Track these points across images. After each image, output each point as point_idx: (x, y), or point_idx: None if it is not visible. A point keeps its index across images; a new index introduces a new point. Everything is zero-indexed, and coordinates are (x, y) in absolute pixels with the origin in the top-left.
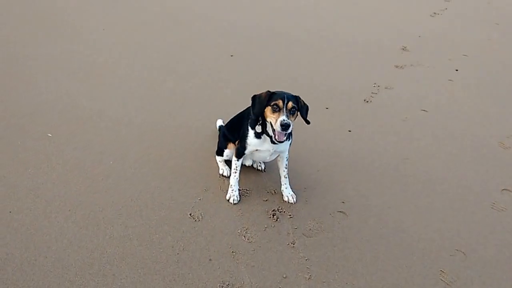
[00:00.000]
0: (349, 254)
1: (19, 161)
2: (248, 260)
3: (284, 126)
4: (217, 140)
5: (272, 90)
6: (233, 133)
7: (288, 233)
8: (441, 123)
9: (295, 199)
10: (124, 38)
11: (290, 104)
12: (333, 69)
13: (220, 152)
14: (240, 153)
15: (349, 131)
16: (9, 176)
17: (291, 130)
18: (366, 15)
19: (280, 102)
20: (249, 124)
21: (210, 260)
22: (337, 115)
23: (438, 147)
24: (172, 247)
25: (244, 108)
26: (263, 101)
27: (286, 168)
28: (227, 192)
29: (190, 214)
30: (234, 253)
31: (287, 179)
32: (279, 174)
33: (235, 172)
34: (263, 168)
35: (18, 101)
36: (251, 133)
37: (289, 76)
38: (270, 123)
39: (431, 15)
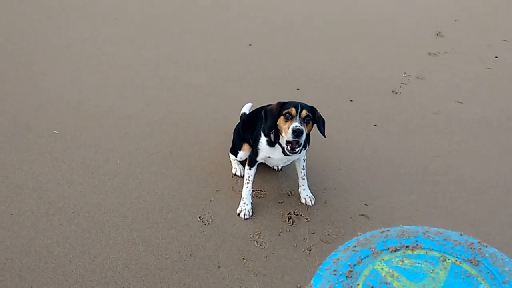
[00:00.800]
0: None
1: (23, 160)
2: (259, 268)
3: (296, 133)
4: (231, 137)
5: (284, 101)
6: (246, 133)
7: (304, 238)
8: (478, 116)
9: (313, 202)
10: (136, 29)
11: (304, 112)
12: (359, 57)
13: (234, 153)
14: (252, 161)
15: (375, 125)
16: (12, 175)
17: (306, 140)
18: None
19: (293, 110)
20: (262, 130)
21: (218, 267)
22: (362, 108)
23: (474, 143)
24: (179, 252)
25: (259, 106)
26: (275, 112)
27: (303, 169)
28: (238, 205)
29: (200, 217)
30: (245, 260)
31: (305, 180)
32: (297, 175)
33: (248, 183)
34: (279, 167)
35: (24, 96)
36: (263, 139)
37: (310, 65)
38: (283, 135)
39: None
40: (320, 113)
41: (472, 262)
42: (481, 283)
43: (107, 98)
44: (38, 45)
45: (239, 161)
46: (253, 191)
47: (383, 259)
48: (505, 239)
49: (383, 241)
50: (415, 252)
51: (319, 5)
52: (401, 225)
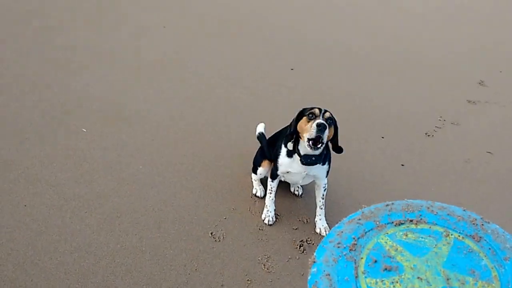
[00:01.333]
0: None
1: (47, 154)
2: None
3: (321, 127)
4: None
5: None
6: (270, 149)
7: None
8: (508, 168)
9: (327, 232)
10: (181, 38)
11: (328, 114)
12: (397, 94)
13: (254, 170)
14: (274, 174)
15: (402, 165)
16: (32, 167)
17: (328, 154)
18: (446, 39)
19: (317, 111)
20: (282, 142)
21: (222, 286)
22: (392, 145)
23: (500, 194)
24: (185, 265)
25: (283, 127)
26: (298, 114)
27: (323, 198)
28: (262, 212)
29: (211, 233)
30: (249, 282)
31: (323, 210)
32: (315, 203)
33: (270, 193)
34: (300, 193)
35: (60, 91)
36: (283, 151)
37: (347, 95)
38: (304, 137)
39: None
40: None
41: (474, 238)
42: (483, 259)
43: (138, 103)
44: (80, 44)
45: (262, 180)
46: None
47: (387, 233)
48: None
49: (388, 214)
50: (419, 226)
51: (368, 38)
52: (406, 199)
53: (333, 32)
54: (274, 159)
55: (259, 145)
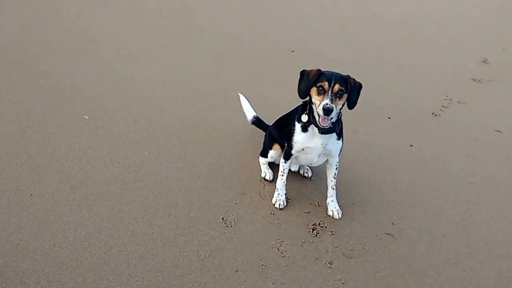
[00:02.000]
0: (392, 283)
1: (50, 142)
2: (278, 276)
3: (326, 111)
4: (262, 140)
5: (323, 70)
6: (279, 133)
7: (326, 251)
8: None
9: (340, 215)
10: (181, 24)
11: (337, 87)
12: (402, 75)
13: (264, 153)
14: (287, 154)
15: (411, 145)
16: (36, 156)
17: (340, 125)
18: (447, 19)
19: (326, 84)
20: (295, 119)
21: (236, 271)
22: (399, 126)
23: (509, 174)
24: (198, 252)
25: (293, 108)
26: (311, 80)
27: (334, 178)
28: (272, 196)
29: (222, 219)
30: (264, 267)
31: (334, 191)
32: (326, 185)
33: (282, 175)
34: (309, 175)
35: (62, 76)
36: (297, 127)
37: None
38: (315, 105)
39: None
40: (355, 79)
41: None
42: None
43: (142, 89)
44: (87, 28)
45: (269, 164)
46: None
47: None
48: None
49: None
50: None
51: (373, 20)
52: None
53: (334, 9)
54: (287, 139)
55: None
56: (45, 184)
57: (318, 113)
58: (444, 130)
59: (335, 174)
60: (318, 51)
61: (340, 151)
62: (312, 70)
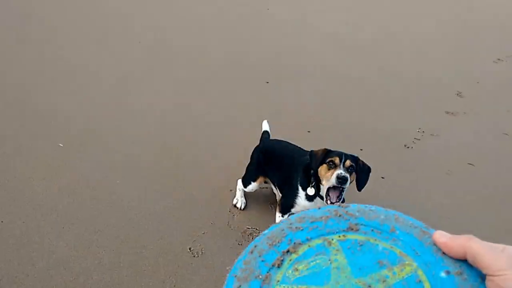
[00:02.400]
0: None
1: (24, 168)
2: None
3: (341, 179)
4: (234, 170)
5: (329, 148)
6: (272, 170)
7: None
8: (489, 181)
9: None
10: (160, 52)
11: (348, 162)
12: (374, 107)
13: (245, 183)
14: (284, 210)
15: (382, 177)
16: (10, 183)
17: (343, 195)
18: (421, 51)
19: (337, 159)
20: (299, 183)
21: None
22: (371, 158)
23: (483, 207)
24: (163, 282)
25: (294, 147)
26: (319, 158)
27: None
28: (240, 227)
29: (190, 249)
30: None
31: None
32: None
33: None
34: None
35: (37, 104)
36: (301, 194)
37: (322, 110)
38: (323, 183)
39: (494, 61)
40: (364, 162)
41: (353, 229)
42: (377, 244)
43: (118, 118)
44: (65, 55)
45: (245, 193)
46: (247, 228)
47: (278, 281)
48: None
49: (261, 261)
50: (299, 252)
51: (342, 52)
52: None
53: (302, 47)
54: (286, 196)
55: (240, 157)
56: (17, 211)
57: (327, 192)
58: (417, 162)
59: None
60: (293, 82)
61: None
62: (319, 150)
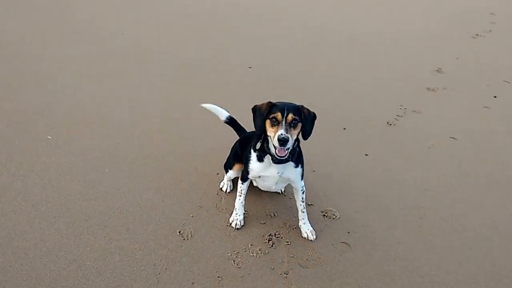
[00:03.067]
0: None
1: (13, 162)
2: (233, 287)
3: (282, 141)
4: (222, 154)
5: (274, 101)
6: (242, 152)
7: (282, 261)
8: (471, 154)
9: (314, 236)
10: (141, 45)
11: (290, 116)
12: (357, 86)
13: (225, 169)
14: (244, 177)
15: (366, 155)
16: (0, 176)
17: (296, 154)
18: (403, 31)
19: (279, 115)
20: (251, 146)
21: (192, 283)
22: (355, 137)
23: (464, 180)
24: (155, 265)
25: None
26: (263, 113)
27: (303, 201)
28: (231, 213)
29: (179, 232)
30: (220, 278)
31: (305, 213)
32: (296, 207)
33: (240, 196)
34: (282, 190)
35: (24, 99)
36: (253, 155)
37: (307, 91)
38: (270, 138)
39: (472, 37)
40: (309, 109)
41: None
42: None
43: (104, 108)
44: (46, 52)
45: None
46: (244, 213)
47: None
48: (484, 279)
49: None
50: None
51: (326, 33)
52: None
53: (282, 23)
54: (244, 163)
55: (226, 141)
56: (7, 203)
57: (274, 145)
58: (399, 138)
59: (302, 198)
60: (275, 69)
61: (302, 177)
62: (263, 104)
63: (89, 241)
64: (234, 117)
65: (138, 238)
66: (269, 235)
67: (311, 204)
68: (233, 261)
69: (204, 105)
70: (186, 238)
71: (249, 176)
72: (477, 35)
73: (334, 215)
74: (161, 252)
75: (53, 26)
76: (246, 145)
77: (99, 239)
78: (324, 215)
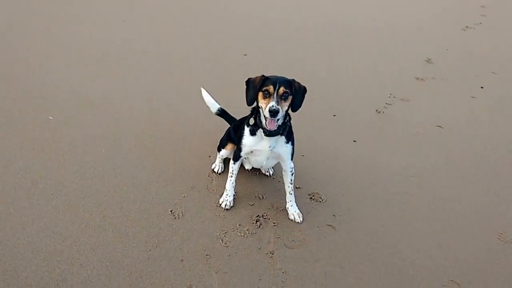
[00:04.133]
0: (331, 272)
1: (15, 141)
2: (221, 266)
3: (273, 112)
4: (216, 137)
5: (266, 75)
6: (235, 133)
7: (268, 241)
8: (456, 142)
9: (301, 218)
10: (141, 30)
11: (282, 89)
12: (348, 75)
13: (219, 149)
14: (236, 156)
15: (354, 141)
16: (2, 154)
17: (287, 128)
18: (394, 21)
19: (271, 88)
20: (245, 123)
21: (181, 260)
22: (344, 123)
23: (449, 167)
24: (146, 242)
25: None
26: (256, 86)
27: (291, 183)
28: (221, 194)
29: (171, 211)
30: (208, 256)
31: (293, 195)
32: (284, 190)
33: (231, 176)
34: (271, 173)
35: (26, 81)
36: (246, 130)
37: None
38: (261, 109)
39: (462, 29)
40: (300, 83)
41: None
42: None
43: (103, 90)
44: (48, 36)
45: (223, 159)
46: (234, 195)
47: None
48: (464, 262)
49: None
50: None
51: (318, 20)
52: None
53: (276, 10)
54: (238, 141)
55: (220, 124)
56: (8, 179)
57: (265, 116)
58: (387, 126)
59: (291, 180)
60: (269, 56)
61: (292, 156)
62: (256, 77)
63: (84, 218)
64: (225, 109)
65: (131, 216)
66: (257, 216)
67: (299, 187)
68: (221, 240)
69: (203, 90)
70: (177, 217)
71: (242, 152)
72: (467, 27)
73: (321, 198)
74: (152, 230)
75: (56, 10)
76: (239, 127)
77: (94, 217)
78: (311, 198)
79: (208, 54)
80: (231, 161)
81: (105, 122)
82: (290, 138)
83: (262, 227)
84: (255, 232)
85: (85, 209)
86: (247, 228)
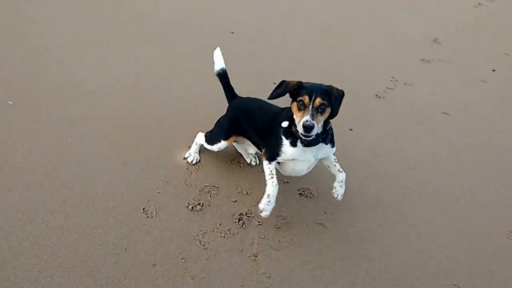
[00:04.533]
0: (321, 276)
1: None
2: (198, 271)
3: (306, 128)
4: (191, 126)
5: (304, 82)
6: (254, 127)
7: (252, 243)
8: (463, 130)
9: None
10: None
11: (318, 101)
12: (350, 55)
13: (212, 138)
14: (271, 157)
15: (350, 129)
16: None
17: (328, 135)
18: None
19: (306, 99)
20: (282, 133)
21: (154, 265)
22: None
23: (454, 159)
24: (114, 245)
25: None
26: (289, 89)
27: (336, 161)
28: (259, 202)
29: (143, 209)
30: (183, 260)
31: (344, 174)
32: (331, 172)
33: (271, 177)
34: (255, 161)
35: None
36: (286, 142)
37: (293, 60)
38: (296, 122)
39: (474, 6)
40: (337, 88)
41: None
42: None
43: (72, 74)
44: (16, 9)
45: (201, 149)
46: (205, 186)
47: None
48: (468, 264)
49: None
50: None
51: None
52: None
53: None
54: (270, 146)
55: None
56: None
57: (298, 130)
58: (388, 112)
59: (335, 159)
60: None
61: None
62: (292, 81)
63: (45, 217)
64: (227, 73)
65: (98, 216)
66: (239, 214)
67: (287, 182)
68: (199, 241)
69: (218, 49)
70: (150, 216)
71: (279, 158)
72: (479, 4)
73: (312, 193)
74: (122, 231)
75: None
76: (268, 125)
77: (56, 216)
78: (301, 193)
79: (192, 33)
80: (265, 161)
81: (72, 108)
82: (332, 141)
83: (245, 226)
84: (237, 232)
85: (46, 207)
86: (228, 227)
